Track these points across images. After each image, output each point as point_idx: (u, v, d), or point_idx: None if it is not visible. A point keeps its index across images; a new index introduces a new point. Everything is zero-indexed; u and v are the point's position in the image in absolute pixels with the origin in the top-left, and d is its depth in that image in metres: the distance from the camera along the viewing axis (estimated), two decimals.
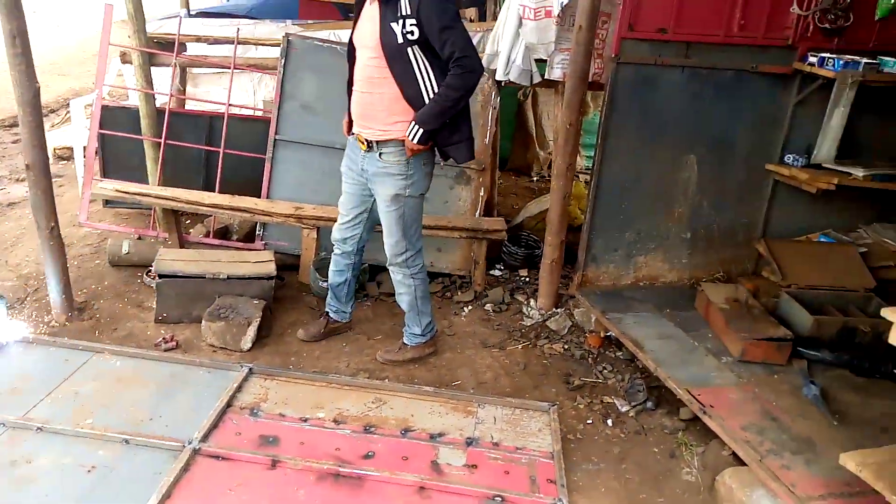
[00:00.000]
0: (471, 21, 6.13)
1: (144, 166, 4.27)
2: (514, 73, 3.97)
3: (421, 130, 2.73)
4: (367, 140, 2.86)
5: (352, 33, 2.87)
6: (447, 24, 2.61)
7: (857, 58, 3.36)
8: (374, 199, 3.02)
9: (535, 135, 6.25)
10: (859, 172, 3.44)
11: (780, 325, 3.05)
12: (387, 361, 3.25)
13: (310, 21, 5.69)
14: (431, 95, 2.72)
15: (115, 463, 2.43)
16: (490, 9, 6.47)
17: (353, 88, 2.90)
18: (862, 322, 3.08)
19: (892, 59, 3.40)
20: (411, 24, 2.59)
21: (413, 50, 2.65)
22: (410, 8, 2.59)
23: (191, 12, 6.39)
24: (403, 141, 2.80)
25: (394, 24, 2.61)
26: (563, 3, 3.63)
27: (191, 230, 4.35)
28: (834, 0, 3.45)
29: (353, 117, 2.94)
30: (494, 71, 4.05)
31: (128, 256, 3.95)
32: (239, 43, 4.29)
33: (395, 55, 2.66)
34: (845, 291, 3.34)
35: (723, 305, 3.24)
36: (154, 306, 3.48)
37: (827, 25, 3.49)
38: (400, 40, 2.62)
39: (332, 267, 3.32)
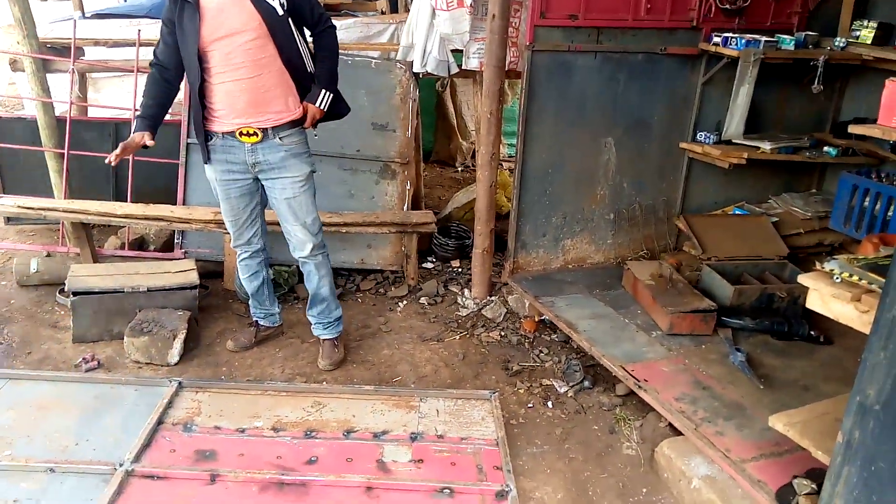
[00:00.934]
0: (382, 13, 6.06)
1: (47, 179, 4.01)
2: (431, 65, 3.95)
3: (331, 95, 2.83)
4: (261, 129, 2.77)
5: (198, 35, 2.63)
6: None
7: (757, 37, 3.53)
8: (263, 191, 2.99)
9: (456, 125, 6.27)
10: (766, 146, 3.62)
11: (704, 298, 3.16)
12: (332, 365, 3.17)
13: None
14: (308, 61, 2.82)
15: (40, 495, 2.28)
16: (401, 0, 6.41)
17: (223, 82, 2.71)
18: (778, 288, 3.24)
19: (788, 37, 3.59)
20: None
21: (290, 20, 2.71)
22: None
23: (85, 14, 6.04)
24: (296, 120, 2.83)
25: (269, 0, 2.64)
26: None
27: (104, 244, 4.13)
28: None
29: (233, 111, 2.75)
30: (411, 63, 4.02)
31: (37, 275, 3.72)
32: (141, 45, 4.08)
33: (278, 28, 2.67)
34: (761, 260, 3.51)
35: (649, 282, 3.34)
36: (70, 325, 3.28)
37: (727, 6, 3.65)
38: (280, 12, 2.66)
39: (243, 275, 3.19)
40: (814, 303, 1.96)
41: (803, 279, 1.98)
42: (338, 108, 2.97)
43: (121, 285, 3.27)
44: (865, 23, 3.52)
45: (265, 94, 2.74)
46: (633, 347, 3.01)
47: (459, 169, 6.32)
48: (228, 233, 3.67)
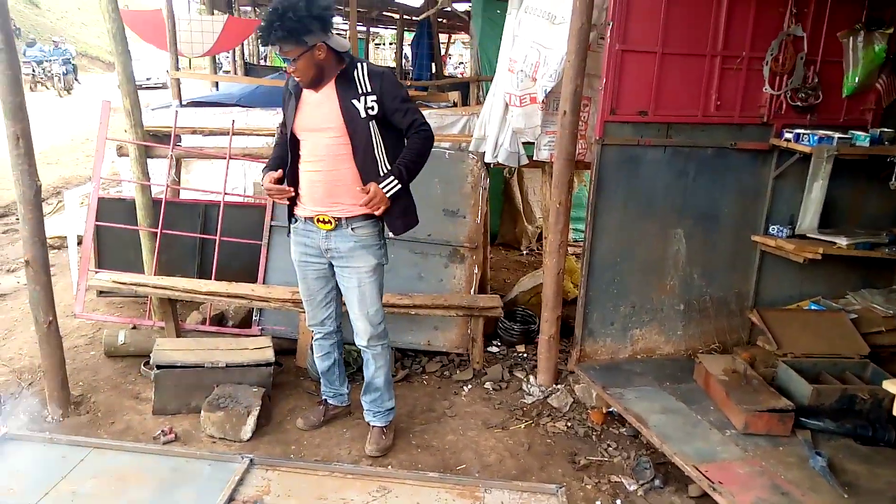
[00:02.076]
0: (454, 105, 6.37)
1: (138, 255, 4.29)
2: (502, 156, 4.10)
3: (398, 185, 2.80)
4: (335, 218, 2.91)
5: (293, 122, 2.88)
6: (405, 97, 2.83)
7: (830, 133, 3.54)
8: (335, 276, 3.06)
9: (522, 210, 6.39)
10: (843, 241, 3.56)
11: (781, 396, 3.07)
12: (379, 452, 3.19)
13: None
14: (384, 166, 2.84)
15: None
16: (473, 93, 6.71)
17: (307, 170, 2.91)
18: (860, 389, 3.11)
19: (862, 133, 3.59)
20: (372, 101, 2.76)
21: (372, 124, 2.80)
22: (371, 86, 2.76)
23: (182, 102, 6.56)
24: (371, 214, 2.88)
25: (355, 101, 2.76)
26: (547, 90, 3.79)
27: (186, 318, 4.33)
28: (803, 80, 3.66)
29: (311, 200, 2.93)
30: (483, 154, 4.18)
31: (124, 347, 3.93)
32: (234, 134, 4.40)
33: (357, 130, 2.79)
34: (840, 359, 3.39)
35: (722, 377, 3.26)
36: (152, 397, 3.44)
37: (798, 103, 3.69)
38: (363, 115, 2.77)
39: (316, 354, 3.31)
40: None
41: (889, 385, 1.93)
42: (407, 214, 2.96)
43: (201, 360, 3.42)
44: None
45: (339, 187, 2.88)
46: (706, 446, 2.92)
47: (524, 252, 6.40)
48: (304, 311, 3.83)
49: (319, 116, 2.84)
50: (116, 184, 6.53)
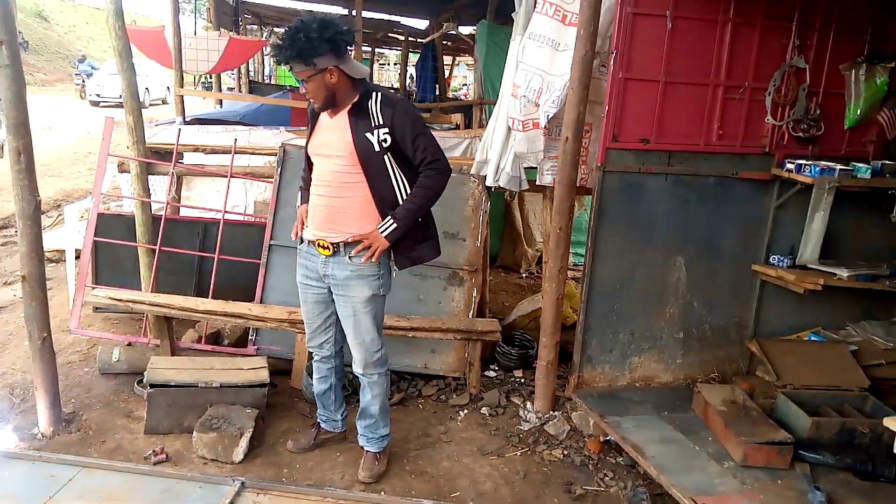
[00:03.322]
0: (457, 127, 6.39)
1: (136, 271, 4.28)
2: (503, 180, 4.09)
3: (396, 227, 2.80)
4: (333, 244, 2.88)
5: (307, 143, 2.93)
6: (419, 131, 2.78)
7: (832, 164, 3.54)
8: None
9: (522, 233, 6.38)
10: (843, 273, 3.55)
11: (780, 428, 3.03)
12: (372, 478, 3.14)
13: (302, 128, 5.88)
14: (404, 196, 2.83)
15: None
16: (476, 115, 6.74)
17: (314, 193, 2.91)
18: (860, 423, 3.08)
19: (864, 165, 3.59)
20: (384, 133, 2.73)
21: (387, 156, 2.77)
22: (383, 118, 2.73)
23: (186, 119, 6.59)
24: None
25: (368, 135, 2.73)
26: (550, 116, 3.80)
27: (182, 336, 4.30)
28: (805, 111, 3.67)
29: (314, 223, 2.93)
30: (484, 177, 4.18)
31: (118, 364, 3.90)
32: (236, 153, 4.40)
33: (370, 162, 2.76)
34: (840, 391, 3.36)
35: (721, 407, 3.23)
36: (144, 416, 3.40)
37: (801, 134, 3.70)
38: (377, 149, 2.74)
39: (314, 375, 3.28)
40: None
41: (890, 423, 1.90)
42: (416, 251, 2.94)
43: (196, 380, 3.39)
44: None
45: (339, 215, 2.85)
46: (704, 478, 2.88)
47: (524, 275, 6.38)
48: (301, 332, 3.80)
49: (330, 142, 2.83)
50: (116, 199, 6.53)
